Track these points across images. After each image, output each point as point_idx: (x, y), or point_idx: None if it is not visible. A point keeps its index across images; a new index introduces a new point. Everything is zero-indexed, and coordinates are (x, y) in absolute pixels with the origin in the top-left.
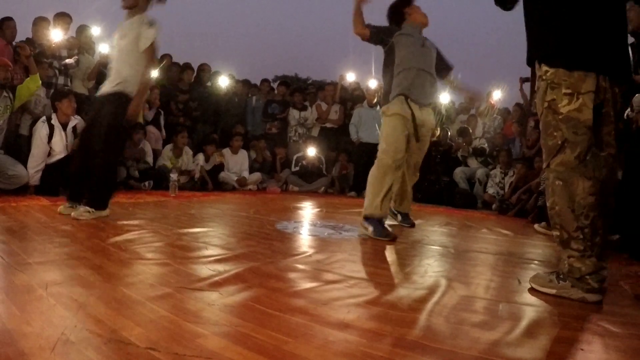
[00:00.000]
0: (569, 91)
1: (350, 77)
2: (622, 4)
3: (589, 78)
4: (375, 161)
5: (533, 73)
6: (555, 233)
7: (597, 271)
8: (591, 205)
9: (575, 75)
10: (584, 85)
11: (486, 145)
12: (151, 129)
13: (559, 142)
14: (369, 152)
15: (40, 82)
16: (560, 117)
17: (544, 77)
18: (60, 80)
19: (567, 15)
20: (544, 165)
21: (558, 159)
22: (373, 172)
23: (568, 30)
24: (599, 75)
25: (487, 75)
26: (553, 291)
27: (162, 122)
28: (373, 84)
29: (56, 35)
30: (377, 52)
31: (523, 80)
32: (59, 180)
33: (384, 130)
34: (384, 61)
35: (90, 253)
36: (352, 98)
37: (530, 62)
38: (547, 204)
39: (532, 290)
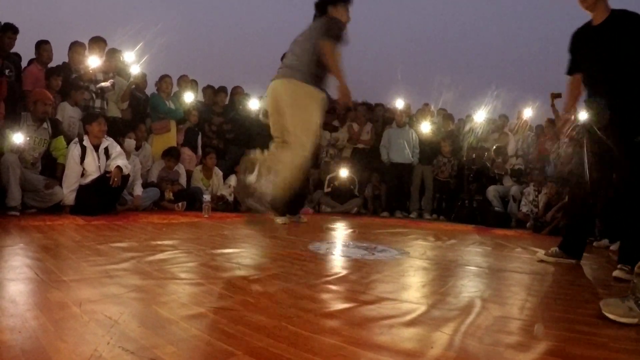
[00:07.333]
0: None
1: (399, 103)
2: None
3: None
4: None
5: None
6: None
7: None
8: None
9: None
10: None
11: (523, 166)
12: (185, 150)
13: None
14: (399, 172)
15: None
16: None
17: None
18: (97, 103)
19: None
20: None
21: None
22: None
23: None
24: None
25: (518, 91)
26: (635, 320)
27: (199, 142)
28: (400, 104)
29: (94, 61)
30: (403, 71)
31: (554, 95)
32: (93, 201)
33: None
34: None
35: (124, 272)
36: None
37: None
38: None
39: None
